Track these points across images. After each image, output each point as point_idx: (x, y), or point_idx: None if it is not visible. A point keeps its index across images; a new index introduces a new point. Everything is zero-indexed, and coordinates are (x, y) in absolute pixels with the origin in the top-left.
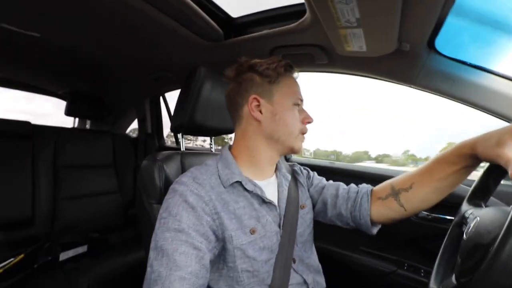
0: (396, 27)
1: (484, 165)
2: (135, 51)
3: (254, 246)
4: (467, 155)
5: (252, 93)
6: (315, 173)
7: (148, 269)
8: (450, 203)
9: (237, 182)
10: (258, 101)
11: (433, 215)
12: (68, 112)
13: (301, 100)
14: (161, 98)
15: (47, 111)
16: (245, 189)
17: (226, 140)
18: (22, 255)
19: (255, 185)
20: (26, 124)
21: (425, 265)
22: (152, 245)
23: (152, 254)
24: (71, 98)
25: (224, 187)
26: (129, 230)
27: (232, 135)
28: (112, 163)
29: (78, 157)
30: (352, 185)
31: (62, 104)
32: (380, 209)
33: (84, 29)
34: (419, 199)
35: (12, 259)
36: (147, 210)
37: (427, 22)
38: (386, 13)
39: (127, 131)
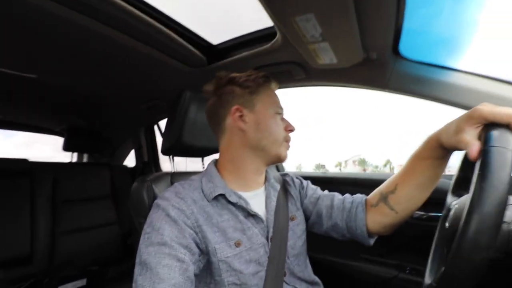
0: (357, 38)
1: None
2: (126, 84)
3: (240, 259)
4: (435, 147)
5: (234, 104)
6: (309, 182)
7: (133, 285)
8: (443, 200)
9: (220, 195)
10: (241, 111)
11: (429, 214)
12: (66, 147)
13: (281, 109)
14: (155, 126)
15: (46, 154)
16: (229, 201)
17: None
18: None
19: (240, 197)
20: (24, 161)
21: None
22: (136, 260)
23: (136, 270)
24: (68, 134)
25: (208, 200)
26: (128, 261)
27: None
28: (110, 194)
29: (76, 191)
30: (347, 195)
31: (60, 146)
32: (374, 217)
33: (77, 68)
34: (406, 199)
35: None
36: (138, 230)
37: (386, 30)
38: (344, 25)
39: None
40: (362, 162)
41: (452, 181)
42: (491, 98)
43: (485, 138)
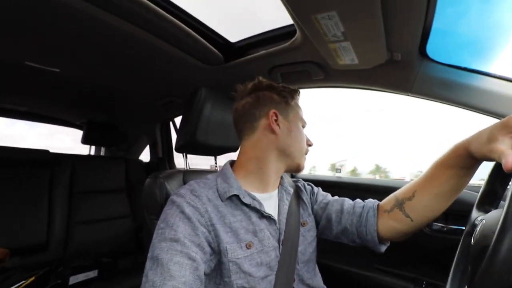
0: (382, 38)
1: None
2: (144, 80)
3: (251, 261)
4: (463, 156)
5: (272, 108)
6: (320, 188)
7: (144, 278)
8: (467, 213)
9: (234, 195)
10: (277, 116)
11: (449, 226)
12: (85, 140)
13: (306, 123)
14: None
15: (66, 145)
16: (243, 202)
17: None
18: (32, 278)
19: (254, 198)
20: (45, 152)
21: (445, 282)
22: (149, 255)
23: (148, 264)
24: (88, 127)
25: (222, 200)
26: (140, 254)
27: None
28: (125, 188)
29: (92, 183)
30: (358, 200)
31: (79, 137)
32: (387, 223)
33: (98, 62)
34: (423, 207)
35: (23, 281)
36: (149, 226)
37: (413, 30)
38: (368, 24)
39: None
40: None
41: (478, 195)
42: None
43: None
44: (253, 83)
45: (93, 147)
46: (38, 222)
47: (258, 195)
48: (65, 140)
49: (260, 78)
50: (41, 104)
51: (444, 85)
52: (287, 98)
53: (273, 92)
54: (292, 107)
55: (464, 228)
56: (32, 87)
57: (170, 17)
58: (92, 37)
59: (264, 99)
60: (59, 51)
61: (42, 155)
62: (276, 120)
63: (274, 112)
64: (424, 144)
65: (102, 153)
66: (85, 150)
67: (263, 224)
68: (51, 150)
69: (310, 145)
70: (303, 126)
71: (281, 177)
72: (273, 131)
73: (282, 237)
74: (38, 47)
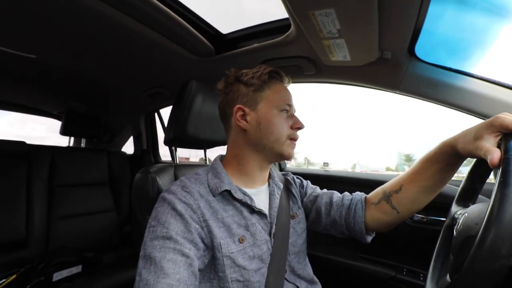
0: (376, 36)
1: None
2: (130, 69)
3: (244, 255)
4: (449, 153)
5: (237, 103)
6: (309, 182)
7: (137, 278)
8: (445, 205)
9: (226, 191)
10: (243, 110)
11: (429, 217)
12: (64, 131)
13: (290, 106)
14: (156, 114)
15: (40, 134)
16: (234, 197)
17: None
18: (14, 276)
19: (244, 193)
20: (21, 144)
21: (424, 269)
22: (141, 253)
23: (141, 263)
24: (67, 117)
25: (213, 196)
26: (124, 248)
27: None
28: (108, 181)
29: (73, 176)
30: (346, 193)
31: (54, 126)
32: (374, 215)
33: (79, 49)
34: (410, 200)
35: (3, 280)
36: (140, 223)
37: (405, 31)
38: (364, 23)
39: None
40: None
41: (458, 191)
42: (509, 108)
43: (506, 147)
44: (223, 79)
45: (72, 138)
46: (16, 217)
47: (248, 190)
48: (38, 128)
49: (231, 70)
50: (15, 93)
51: (431, 84)
52: (255, 85)
53: (240, 83)
54: (262, 93)
55: (442, 219)
56: (5, 73)
57: (159, 4)
58: (74, 22)
59: (232, 94)
60: (36, 36)
61: (17, 146)
62: (243, 115)
63: (239, 108)
64: (367, 139)
65: (82, 145)
66: (61, 139)
67: (254, 218)
68: (22, 139)
69: (298, 128)
70: (285, 110)
71: (271, 170)
72: (242, 128)
73: (273, 231)
74: (12, 31)
